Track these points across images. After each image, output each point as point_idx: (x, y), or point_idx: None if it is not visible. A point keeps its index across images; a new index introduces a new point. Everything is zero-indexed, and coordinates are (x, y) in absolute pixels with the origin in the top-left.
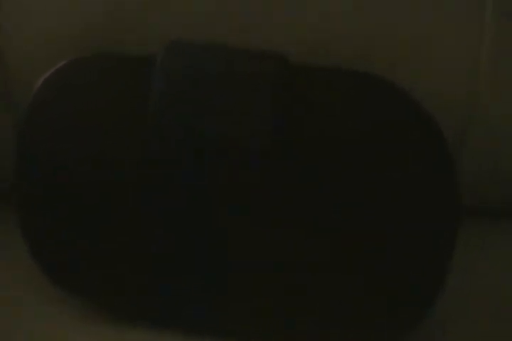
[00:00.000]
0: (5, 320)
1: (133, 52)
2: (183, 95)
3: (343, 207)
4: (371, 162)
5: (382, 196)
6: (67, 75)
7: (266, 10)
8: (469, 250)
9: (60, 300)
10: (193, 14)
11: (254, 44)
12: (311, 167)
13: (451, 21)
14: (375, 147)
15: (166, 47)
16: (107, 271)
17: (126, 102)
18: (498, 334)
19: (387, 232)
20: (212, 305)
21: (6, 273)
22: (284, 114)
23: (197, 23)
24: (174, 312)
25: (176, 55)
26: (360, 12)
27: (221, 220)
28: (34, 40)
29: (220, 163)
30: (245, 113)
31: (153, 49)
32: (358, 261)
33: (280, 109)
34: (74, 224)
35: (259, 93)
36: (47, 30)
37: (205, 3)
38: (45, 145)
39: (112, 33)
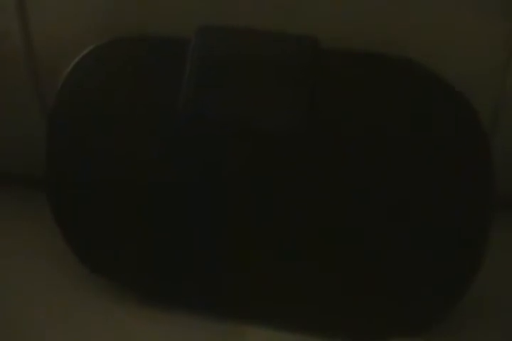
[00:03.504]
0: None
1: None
2: (215, 80)
3: (366, 185)
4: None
5: (410, 160)
6: (98, 59)
7: None
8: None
9: (87, 280)
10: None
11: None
12: (336, 146)
13: (485, 14)
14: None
15: (198, 32)
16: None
17: (159, 86)
18: None
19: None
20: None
21: (40, 259)
22: (314, 98)
23: (221, 6)
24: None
25: (208, 40)
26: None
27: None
28: (60, 25)
29: (247, 144)
30: (275, 96)
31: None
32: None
33: (310, 92)
34: (99, 203)
35: (287, 76)
36: (71, 14)
37: None
38: (74, 129)
39: (136, 17)
